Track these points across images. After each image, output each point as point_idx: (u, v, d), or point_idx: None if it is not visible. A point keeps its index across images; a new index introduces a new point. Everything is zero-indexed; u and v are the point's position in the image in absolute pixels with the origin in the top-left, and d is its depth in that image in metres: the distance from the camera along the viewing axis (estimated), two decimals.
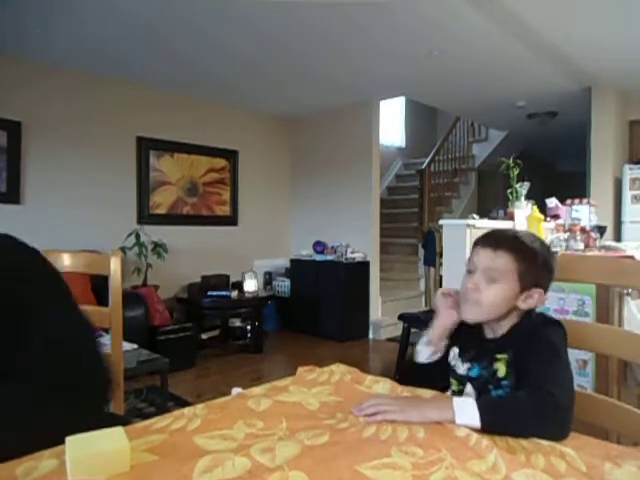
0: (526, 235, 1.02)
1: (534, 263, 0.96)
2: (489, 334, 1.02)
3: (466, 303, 1.00)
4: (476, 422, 0.79)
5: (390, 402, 0.87)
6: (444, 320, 1.07)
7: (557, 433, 0.79)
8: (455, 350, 1.06)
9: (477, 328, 1.03)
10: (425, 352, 1.09)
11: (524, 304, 0.97)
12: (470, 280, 0.99)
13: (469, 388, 1.01)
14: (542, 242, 1.02)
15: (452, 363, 1.06)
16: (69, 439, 0.67)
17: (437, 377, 1.06)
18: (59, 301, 0.93)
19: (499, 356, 0.97)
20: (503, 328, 0.99)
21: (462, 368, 1.03)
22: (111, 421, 0.75)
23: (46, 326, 0.86)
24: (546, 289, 0.99)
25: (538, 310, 1.02)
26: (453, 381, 1.05)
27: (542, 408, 0.80)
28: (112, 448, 0.66)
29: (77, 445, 0.66)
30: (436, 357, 1.08)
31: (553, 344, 0.91)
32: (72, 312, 0.95)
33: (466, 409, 0.81)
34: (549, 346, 0.91)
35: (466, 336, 1.04)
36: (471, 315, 1.00)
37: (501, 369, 0.96)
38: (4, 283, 0.84)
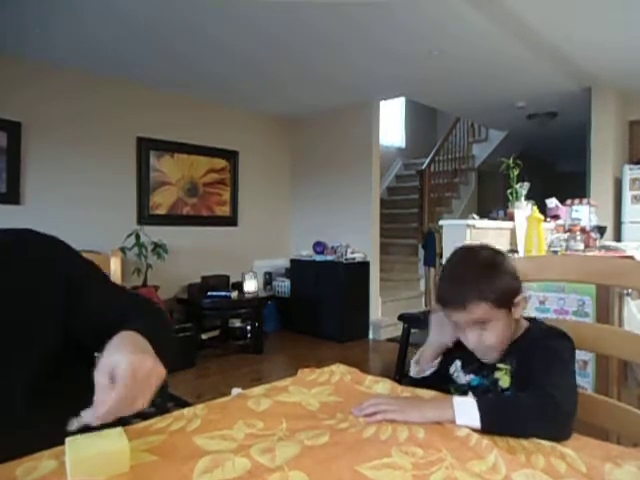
0: (478, 259, 0.98)
1: (502, 283, 0.95)
2: None
3: (481, 354, 1.00)
4: (476, 422, 0.79)
5: (390, 402, 0.87)
6: (433, 340, 1.08)
7: (558, 433, 0.78)
8: (457, 363, 1.06)
9: None
10: (414, 368, 1.11)
11: (517, 314, 0.98)
12: (466, 335, 0.98)
13: (470, 397, 1.01)
14: (496, 253, 1.00)
15: (454, 375, 1.06)
16: (69, 439, 0.66)
17: (433, 387, 1.06)
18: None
19: (500, 365, 0.98)
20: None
21: (463, 379, 1.04)
22: (111, 421, 0.74)
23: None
24: (521, 289, 0.99)
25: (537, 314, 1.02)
26: (453, 390, 1.04)
27: (542, 408, 0.80)
28: (112, 448, 0.66)
29: (77, 446, 0.65)
30: (425, 374, 1.09)
31: (556, 351, 0.91)
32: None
33: (466, 409, 0.81)
34: (552, 353, 0.91)
35: (468, 350, 1.04)
36: (492, 359, 1.00)
37: (504, 379, 0.97)
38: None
